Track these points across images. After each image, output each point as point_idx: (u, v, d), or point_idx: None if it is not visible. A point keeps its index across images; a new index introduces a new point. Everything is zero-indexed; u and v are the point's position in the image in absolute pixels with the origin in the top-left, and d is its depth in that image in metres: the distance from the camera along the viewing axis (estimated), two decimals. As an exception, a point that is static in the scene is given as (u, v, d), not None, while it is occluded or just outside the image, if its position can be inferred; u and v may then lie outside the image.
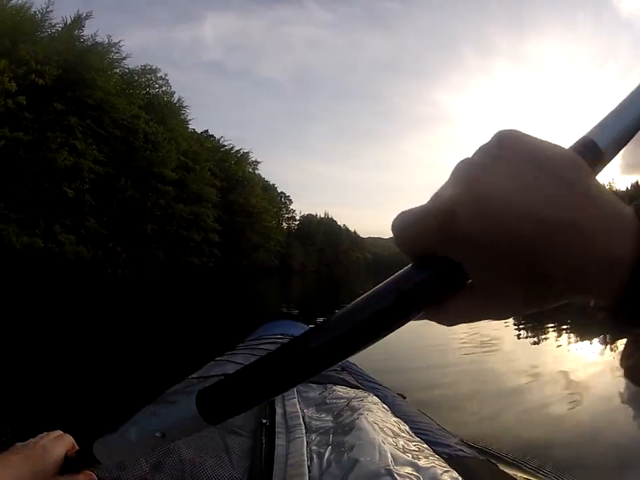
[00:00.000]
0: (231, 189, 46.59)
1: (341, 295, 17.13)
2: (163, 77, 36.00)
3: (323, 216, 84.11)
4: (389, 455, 0.76)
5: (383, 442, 0.82)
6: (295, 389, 1.18)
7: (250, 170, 53.23)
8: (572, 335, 5.70)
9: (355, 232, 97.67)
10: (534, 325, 6.89)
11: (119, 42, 31.33)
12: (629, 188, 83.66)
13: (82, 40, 28.61)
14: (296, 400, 1.13)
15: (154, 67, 35.25)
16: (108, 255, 27.65)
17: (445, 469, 0.76)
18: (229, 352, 1.71)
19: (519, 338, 5.76)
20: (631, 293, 0.17)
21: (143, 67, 34.58)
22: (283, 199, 68.41)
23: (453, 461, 0.85)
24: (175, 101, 37.84)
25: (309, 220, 75.91)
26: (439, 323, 0.23)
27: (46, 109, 24.37)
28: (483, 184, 0.19)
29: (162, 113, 34.14)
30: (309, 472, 0.78)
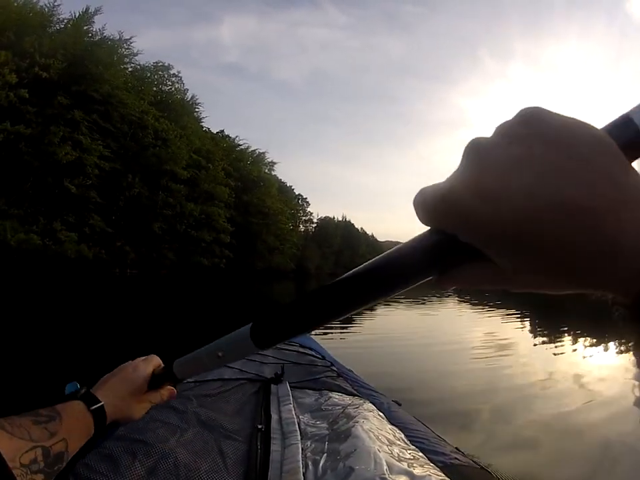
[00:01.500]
0: (245, 190, 45.78)
1: None
2: (176, 73, 35.47)
3: (340, 219, 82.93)
4: (384, 464, 0.76)
5: (378, 450, 0.83)
6: (290, 395, 1.20)
7: (266, 171, 52.37)
8: (586, 340, 5.74)
9: (372, 235, 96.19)
10: (546, 329, 7.30)
11: (130, 38, 31.00)
12: None
13: (90, 35, 28.30)
14: (291, 406, 1.12)
15: (166, 64, 34.70)
16: (116, 255, 26.91)
17: (440, 477, 0.77)
18: None
19: (534, 345, 5.63)
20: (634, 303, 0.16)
21: (155, 64, 34.19)
22: (300, 201, 67.55)
23: (448, 469, 0.85)
24: (188, 99, 37.23)
25: (326, 222, 74.87)
26: (444, 286, 0.23)
27: (50, 102, 23.82)
28: (498, 169, 0.18)
29: (174, 110, 33.48)
30: (304, 479, 0.79)
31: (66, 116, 23.94)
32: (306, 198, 68.50)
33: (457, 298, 15.41)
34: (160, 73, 34.29)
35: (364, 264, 0.26)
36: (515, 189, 0.17)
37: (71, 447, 0.48)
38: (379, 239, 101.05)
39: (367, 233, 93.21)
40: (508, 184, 0.17)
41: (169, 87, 35.16)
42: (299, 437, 0.93)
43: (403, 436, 1.00)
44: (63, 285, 14.68)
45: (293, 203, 62.79)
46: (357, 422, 0.98)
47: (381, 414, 1.14)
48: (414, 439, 1.01)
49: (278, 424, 1.01)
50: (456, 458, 0.91)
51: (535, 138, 0.18)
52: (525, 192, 0.16)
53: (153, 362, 0.63)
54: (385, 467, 0.74)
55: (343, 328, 7.40)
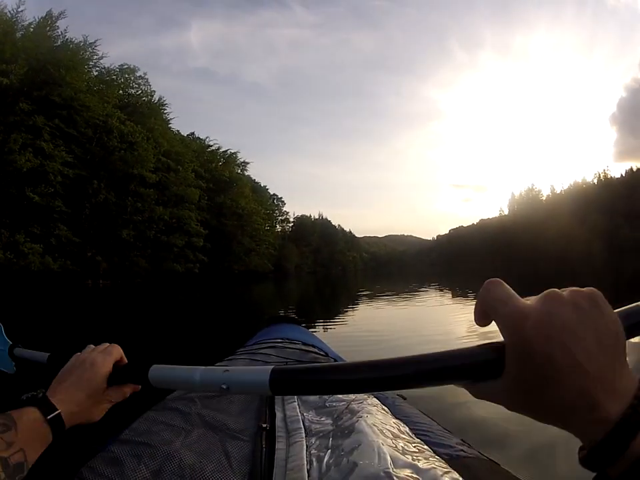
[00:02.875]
0: (218, 191, 45.34)
1: (338, 295, 16.73)
2: (143, 75, 34.81)
3: (317, 217, 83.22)
4: (389, 458, 0.77)
5: (382, 444, 0.83)
6: None
7: (238, 171, 51.95)
8: None
9: (350, 231, 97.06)
10: None
11: (95, 41, 30.30)
12: (623, 175, 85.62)
13: (53, 39, 27.42)
14: (296, 404, 1.14)
15: (132, 66, 34.01)
16: (87, 265, 26.16)
17: (446, 470, 0.77)
18: (229, 357, 1.68)
19: None
20: (599, 449, 0.24)
21: (120, 67, 33.54)
22: (275, 201, 67.41)
23: (453, 461, 0.85)
24: (155, 101, 36.54)
25: (303, 221, 75.01)
26: (470, 392, 0.31)
27: (12, 109, 22.95)
28: (557, 316, 0.26)
29: (141, 113, 32.81)
30: (309, 476, 0.80)
31: (27, 122, 23.17)
32: (281, 197, 68.61)
33: (438, 290, 15.67)
34: (126, 75, 33.64)
35: (403, 356, 0.30)
36: (560, 339, 0.25)
37: (29, 456, 0.48)
38: (357, 235, 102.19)
39: (345, 229, 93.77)
40: (559, 334, 0.25)
41: (136, 90, 34.48)
42: (304, 435, 0.95)
43: (407, 429, 1.01)
44: (30, 300, 14.22)
45: (268, 203, 62.56)
46: (361, 417, 0.99)
47: (385, 408, 1.15)
48: (419, 432, 1.02)
49: (282, 422, 1.03)
50: (462, 450, 0.92)
51: (589, 316, 0.26)
52: (563, 344, 0.25)
53: (114, 354, 0.60)
54: (389, 461, 0.76)
55: (326, 320, 7.56)
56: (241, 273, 43.86)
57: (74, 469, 0.77)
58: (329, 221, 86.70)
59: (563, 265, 36.70)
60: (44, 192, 23.22)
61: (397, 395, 1.38)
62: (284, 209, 69.38)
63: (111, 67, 32.70)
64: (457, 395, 2.75)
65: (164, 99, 37.99)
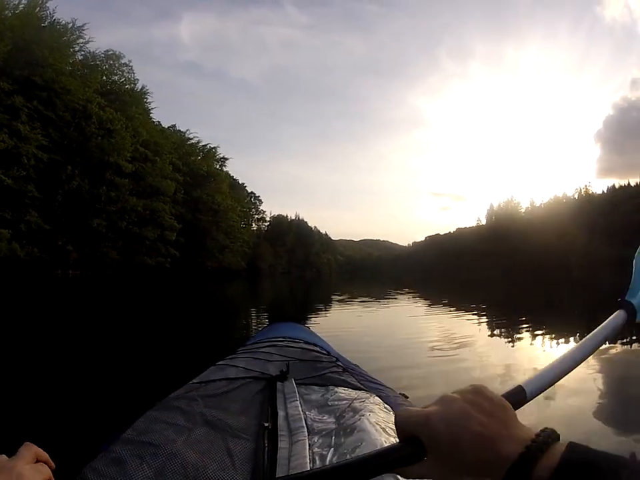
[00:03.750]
0: (195, 185, 44.99)
1: (311, 298, 16.50)
2: (127, 63, 34.27)
3: (293, 217, 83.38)
4: None
5: (384, 442, 0.84)
6: (296, 391, 1.23)
7: (217, 166, 51.64)
8: (544, 333, 5.91)
9: (325, 234, 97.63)
10: (503, 323, 7.53)
11: (82, 25, 29.70)
12: (605, 191, 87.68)
13: (41, 19, 26.77)
14: (298, 402, 1.14)
15: (117, 53, 33.42)
16: (57, 254, 25.49)
17: None
18: (230, 356, 1.68)
19: (491, 338, 5.85)
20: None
21: (105, 52, 32.93)
22: (253, 199, 67.30)
23: None
24: (138, 89, 35.97)
25: (279, 221, 75.03)
26: (404, 477, 0.40)
27: (-8, 88, 22.20)
28: (452, 409, 0.38)
29: (122, 100, 32.26)
30: None
31: (5, 102, 22.48)
32: (259, 196, 68.51)
33: (410, 295, 15.75)
34: (111, 62, 32.97)
35: (356, 457, 0.40)
36: (458, 423, 0.36)
37: None
38: (333, 238, 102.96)
39: (321, 231, 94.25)
40: (457, 419, 0.36)
41: (119, 77, 33.88)
42: (306, 433, 0.96)
43: None
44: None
45: (245, 200, 62.38)
46: (363, 415, 1.01)
47: (388, 407, 1.16)
48: None
49: (285, 421, 1.04)
50: None
51: (475, 401, 0.37)
52: (462, 425, 0.36)
53: (43, 475, 0.49)
54: None
55: (300, 322, 7.63)
56: (214, 270, 43.60)
57: (76, 469, 0.78)
58: (305, 222, 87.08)
59: (540, 276, 36.98)
60: (16, 175, 22.61)
61: (400, 393, 1.42)
62: (261, 207, 69.37)
63: (96, 52, 32.11)
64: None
65: (147, 87, 37.42)
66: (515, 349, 5.01)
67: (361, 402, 1.13)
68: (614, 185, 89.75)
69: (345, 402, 1.14)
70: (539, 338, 5.61)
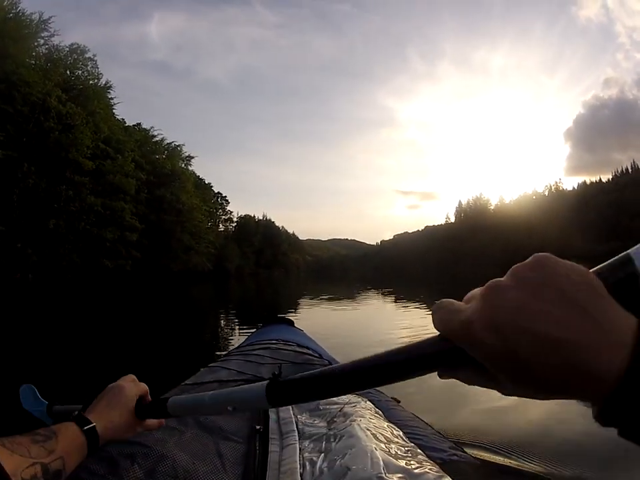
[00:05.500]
0: (158, 184, 43.94)
1: (280, 298, 16.62)
2: (92, 57, 33.21)
3: (261, 217, 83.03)
4: (381, 462, 0.78)
5: (375, 448, 0.84)
6: None
7: (182, 165, 50.67)
8: None
9: (293, 233, 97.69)
10: None
11: (49, 18, 28.64)
12: (575, 187, 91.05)
13: (7, 9, 25.51)
14: (290, 406, 1.14)
15: (82, 47, 32.35)
16: (14, 257, 24.23)
17: (439, 474, 0.78)
18: (223, 358, 1.73)
19: None
20: (608, 407, 0.23)
21: (70, 46, 31.83)
22: (219, 200, 66.43)
23: (447, 465, 0.86)
24: (101, 84, 34.86)
25: (246, 221, 74.50)
26: (445, 377, 0.32)
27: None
28: (506, 309, 0.25)
29: (85, 95, 31.14)
30: (301, 479, 0.81)
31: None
32: (225, 196, 67.73)
33: (379, 293, 15.88)
34: (75, 56, 31.93)
35: (380, 353, 0.34)
36: (515, 326, 0.24)
37: (67, 465, 0.55)
38: (300, 237, 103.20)
39: (289, 231, 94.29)
40: (512, 322, 0.24)
41: (82, 71, 32.76)
42: (297, 437, 0.97)
43: (401, 433, 1.03)
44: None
45: (211, 201, 61.52)
46: (354, 420, 1.01)
47: (379, 412, 1.17)
48: (412, 435, 1.04)
49: (276, 424, 1.05)
50: (455, 454, 0.93)
51: (537, 283, 0.25)
52: (522, 329, 0.24)
53: (140, 386, 0.73)
54: (382, 465, 0.77)
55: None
56: (179, 272, 42.74)
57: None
58: (273, 222, 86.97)
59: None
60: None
61: (391, 398, 1.41)
62: (228, 208, 68.63)
63: (60, 45, 31.05)
64: (450, 398, 2.87)
65: (110, 82, 36.24)
66: None
67: (352, 406, 1.14)
68: (585, 182, 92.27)
69: (336, 406, 1.15)
70: None
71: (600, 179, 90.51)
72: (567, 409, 2.62)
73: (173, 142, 49.81)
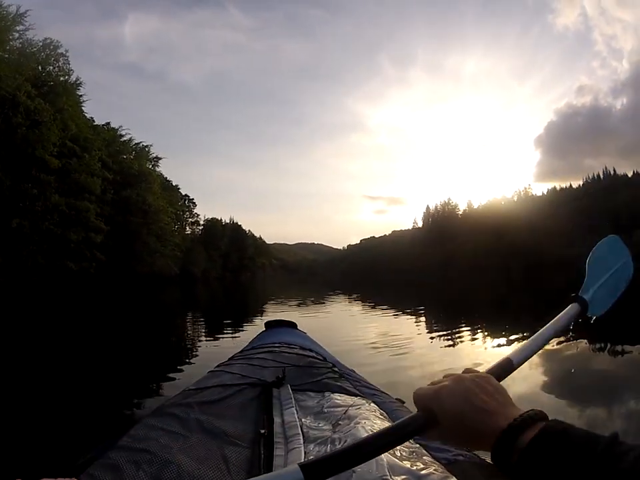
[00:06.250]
0: (125, 185, 42.91)
1: (247, 303, 16.62)
2: (64, 53, 32.27)
3: (228, 221, 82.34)
4: (386, 464, 0.79)
5: None
6: (292, 398, 1.25)
7: (150, 166, 49.70)
8: (485, 333, 6.03)
9: (260, 237, 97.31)
10: (443, 324, 7.54)
11: (25, 12, 27.78)
12: (545, 193, 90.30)
13: None
14: (294, 409, 1.16)
15: (55, 41, 31.45)
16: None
17: (444, 475, 0.79)
18: (226, 362, 1.74)
19: (431, 339, 5.86)
20: (493, 454, 0.43)
21: (43, 41, 30.80)
22: (187, 202, 65.44)
23: (452, 466, 0.87)
24: (72, 81, 33.89)
25: (213, 224, 73.62)
26: (426, 438, 0.58)
27: None
28: (460, 385, 0.48)
29: (54, 92, 30.21)
30: None
31: None
32: (192, 199, 66.78)
33: (346, 298, 15.95)
34: (48, 51, 30.94)
35: (386, 429, 0.52)
36: (464, 397, 0.47)
37: None
38: (267, 241, 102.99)
39: (255, 235, 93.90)
40: (463, 394, 0.48)
41: (53, 67, 31.72)
42: (302, 440, 0.96)
43: None
44: None
45: (179, 203, 60.55)
46: (359, 422, 1.01)
47: (384, 413, 1.18)
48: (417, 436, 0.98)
49: (281, 428, 1.04)
50: (460, 454, 0.94)
51: (478, 383, 0.49)
52: (466, 402, 0.47)
53: None
54: (387, 467, 0.78)
55: (235, 328, 7.46)
56: (144, 275, 41.82)
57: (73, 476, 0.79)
58: (240, 225, 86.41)
59: (479, 277, 37.39)
60: None
61: (396, 399, 1.43)
62: (195, 210, 67.69)
63: (34, 40, 30.02)
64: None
65: (80, 79, 35.27)
66: (446, 349, 5.14)
67: (356, 408, 1.15)
68: (555, 187, 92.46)
69: (340, 408, 1.16)
70: (477, 338, 5.69)
71: (570, 184, 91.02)
72: (570, 412, 2.75)
73: (141, 142, 48.81)
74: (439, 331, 6.74)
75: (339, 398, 1.27)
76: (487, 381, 0.50)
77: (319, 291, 22.27)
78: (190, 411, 1.14)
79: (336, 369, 1.58)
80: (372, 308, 11.02)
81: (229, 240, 76.16)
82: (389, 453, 0.84)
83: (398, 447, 0.88)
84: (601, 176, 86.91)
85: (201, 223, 70.28)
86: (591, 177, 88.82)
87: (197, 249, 63.36)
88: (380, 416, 1.13)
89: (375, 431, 0.93)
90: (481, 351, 5.06)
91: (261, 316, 10.00)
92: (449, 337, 5.93)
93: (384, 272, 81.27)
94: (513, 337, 5.66)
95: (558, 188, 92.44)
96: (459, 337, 5.82)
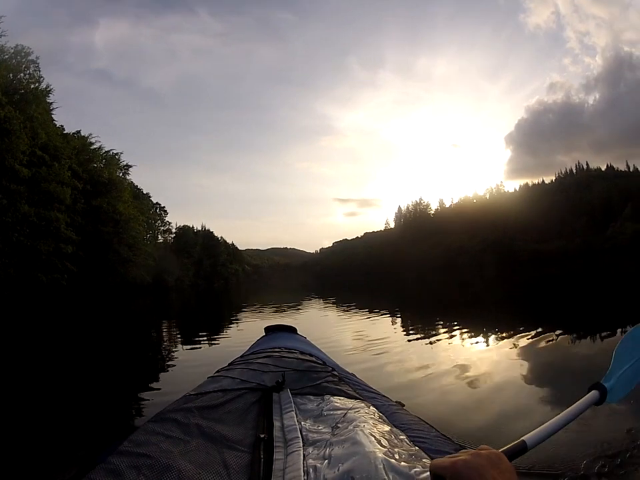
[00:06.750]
0: (95, 194, 42.04)
1: (222, 309, 16.53)
2: (35, 60, 31.41)
3: (199, 228, 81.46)
4: (385, 467, 0.80)
5: (378, 454, 0.85)
6: (292, 402, 1.27)
7: (120, 174, 48.83)
8: (462, 333, 5.90)
9: (232, 244, 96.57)
10: (420, 325, 7.41)
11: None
12: (517, 189, 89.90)
13: None
14: (294, 413, 1.17)
15: (26, 48, 30.68)
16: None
17: None
18: (226, 367, 1.75)
19: (408, 341, 5.74)
20: None
21: (15, 47, 29.94)
22: (158, 210, 64.37)
23: None
24: (42, 88, 32.99)
25: (185, 232, 72.68)
26: None
27: None
28: (475, 460, 0.55)
29: (24, 99, 29.43)
30: None
31: None
32: (164, 207, 65.66)
33: (321, 301, 15.89)
34: (19, 57, 30.03)
35: None
36: (474, 474, 0.54)
37: None
38: (240, 248, 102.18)
39: (227, 241, 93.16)
40: (476, 469, 0.54)
41: (25, 74, 30.83)
42: (301, 444, 0.98)
43: (405, 437, 1.05)
44: None
45: (150, 211, 59.60)
46: (358, 426, 1.03)
47: (383, 416, 1.19)
48: (417, 439, 1.07)
49: (280, 432, 1.06)
50: None
51: (492, 462, 0.56)
52: (476, 476, 0.53)
53: None
54: (385, 471, 0.78)
55: (212, 335, 7.32)
56: (117, 285, 41.10)
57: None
58: (212, 232, 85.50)
59: (454, 275, 37.27)
60: None
61: (395, 401, 1.45)
62: (167, 218, 66.69)
63: (5, 46, 29.25)
64: (454, 401, 2.83)
65: (51, 86, 34.44)
66: (422, 347, 5.06)
67: (356, 412, 1.15)
68: (527, 183, 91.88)
69: (340, 411, 1.17)
70: (453, 335, 5.65)
71: (543, 180, 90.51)
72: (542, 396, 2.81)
73: (111, 150, 47.91)
74: (415, 331, 6.63)
75: (339, 401, 1.29)
76: (500, 459, 0.57)
77: (294, 295, 22.01)
78: (190, 416, 1.15)
79: (335, 373, 1.60)
80: (347, 311, 10.75)
81: (202, 247, 75.35)
82: (388, 456, 0.85)
83: (397, 450, 0.92)
84: (574, 171, 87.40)
85: (173, 230, 69.35)
86: (563, 172, 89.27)
87: (169, 257, 62.45)
88: (379, 419, 1.14)
89: (374, 434, 0.97)
90: (457, 347, 4.98)
91: (237, 324, 9.70)
92: (425, 336, 5.88)
93: (358, 274, 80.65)
94: (489, 333, 5.74)
95: (530, 184, 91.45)
96: (435, 336, 5.76)
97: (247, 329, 8.15)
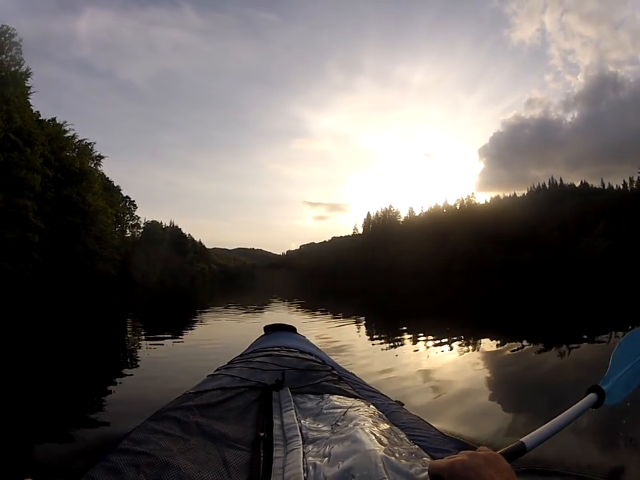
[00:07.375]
0: (65, 183, 41.19)
1: (188, 307, 16.25)
2: (18, 42, 30.76)
3: (168, 224, 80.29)
4: (384, 465, 0.81)
5: (378, 451, 0.86)
6: (291, 400, 1.28)
7: (92, 165, 47.94)
8: (427, 339, 5.77)
9: (200, 242, 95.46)
10: (384, 331, 7.23)
11: None
12: (488, 201, 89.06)
13: None
14: (293, 411, 1.18)
15: (10, 29, 30.05)
16: None
17: None
18: (226, 365, 1.77)
19: (372, 346, 5.58)
20: None
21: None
22: (128, 204, 63.16)
23: None
24: (22, 71, 32.21)
25: (153, 227, 71.46)
26: None
27: None
28: (472, 461, 0.57)
29: (3, 81, 28.73)
30: None
31: None
32: (134, 201, 64.48)
33: (287, 304, 15.62)
34: (2, 38, 29.28)
35: None
36: (472, 473, 0.55)
37: None
38: (207, 246, 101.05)
39: (195, 239, 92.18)
40: (474, 469, 0.55)
41: (6, 56, 29.98)
42: (301, 442, 0.98)
43: (404, 435, 1.05)
44: None
45: (120, 205, 58.53)
46: (358, 424, 1.03)
47: (383, 415, 1.19)
48: (416, 437, 1.07)
49: (280, 430, 1.06)
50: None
51: (490, 462, 0.57)
52: (474, 476, 0.55)
53: None
54: (385, 469, 0.79)
55: (176, 335, 6.82)
56: (82, 278, 40.37)
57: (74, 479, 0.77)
58: (180, 229, 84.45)
59: (422, 282, 36.61)
60: None
61: (395, 400, 1.48)
62: (135, 213, 65.51)
63: None
64: (453, 399, 2.81)
65: (30, 70, 33.61)
66: (385, 352, 4.93)
67: (355, 410, 1.17)
68: (499, 195, 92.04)
69: (339, 410, 1.18)
70: (415, 341, 5.59)
71: (514, 193, 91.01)
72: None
73: (84, 139, 46.97)
74: (379, 336, 6.57)
75: (338, 400, 1.30)
76: (498, 460, 0.58)
77: (260, 297, 21.32)
78: (190, 414, 1.16)
79: (335, 372, 1.62)
80: (312, 314, 10.48)
81: (169, 244, 74.32)
82: (388, 454, 0.86)
83: (397, 449, 0.93)
84: (547, 185, 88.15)
85: (142, 225, 68.18)
86: (536, 187, 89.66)
87: (136, 252, 61.39)
88: (379, 417, 1.16)
89: (373, 432, 1.00)
90: (421, 353, 4.89)
91: (205, 323, 9.38)
92: (389, 341, 5.86)
93: (324, 278, 79.48)
94: (454, 341, 5.61)
95: (502, 196, 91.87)
96: (399, 341, 5.78)
97: (211, 330, 7.85)
